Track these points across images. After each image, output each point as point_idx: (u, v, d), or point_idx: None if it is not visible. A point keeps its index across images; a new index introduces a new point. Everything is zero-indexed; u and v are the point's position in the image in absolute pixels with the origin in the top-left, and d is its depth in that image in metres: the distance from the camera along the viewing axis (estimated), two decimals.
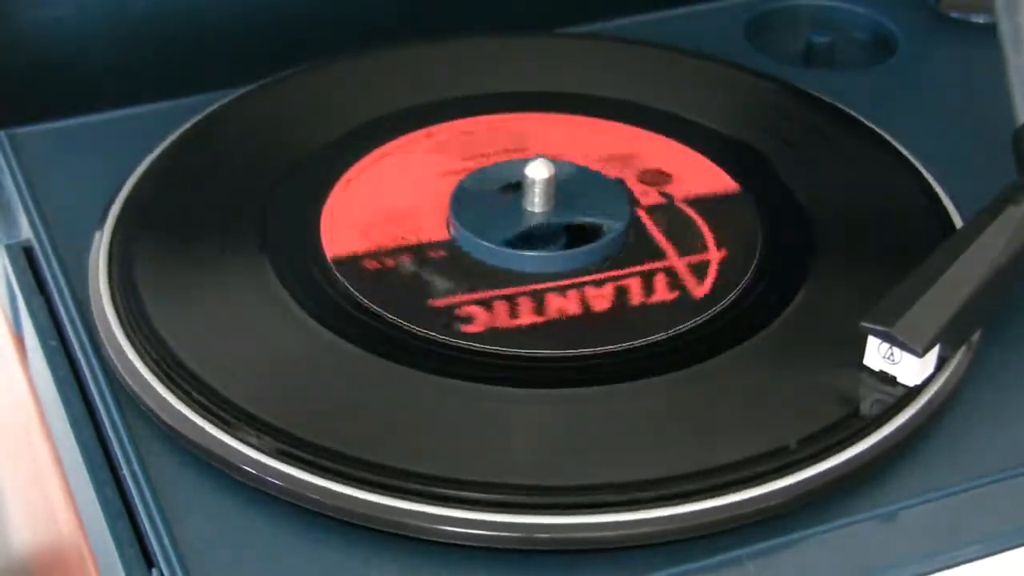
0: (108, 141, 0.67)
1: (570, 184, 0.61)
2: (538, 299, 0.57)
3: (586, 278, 0.58)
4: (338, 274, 0.58)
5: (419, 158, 0.64)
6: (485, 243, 0.59)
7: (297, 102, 0.67)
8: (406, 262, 0.58)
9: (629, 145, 0.65)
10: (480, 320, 0.56)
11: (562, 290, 0.57)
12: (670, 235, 0.60)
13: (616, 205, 0.60)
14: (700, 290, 0.58)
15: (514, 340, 0.55)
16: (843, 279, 0.58)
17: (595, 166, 0.63)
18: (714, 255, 0.59)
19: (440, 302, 0.57)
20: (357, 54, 0.70)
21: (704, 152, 0.64)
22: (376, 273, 0.58)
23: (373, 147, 0.64)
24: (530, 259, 0.58)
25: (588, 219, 0.60)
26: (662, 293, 0.57)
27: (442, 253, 0.59)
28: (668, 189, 0.62)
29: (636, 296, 0.57)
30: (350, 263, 0.58)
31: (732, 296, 0.57)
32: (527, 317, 0.56)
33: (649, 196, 0.62)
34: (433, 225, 0.60)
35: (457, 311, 0.56)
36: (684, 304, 0.57)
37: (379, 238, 0.59)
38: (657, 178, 0.60)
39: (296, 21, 0.77)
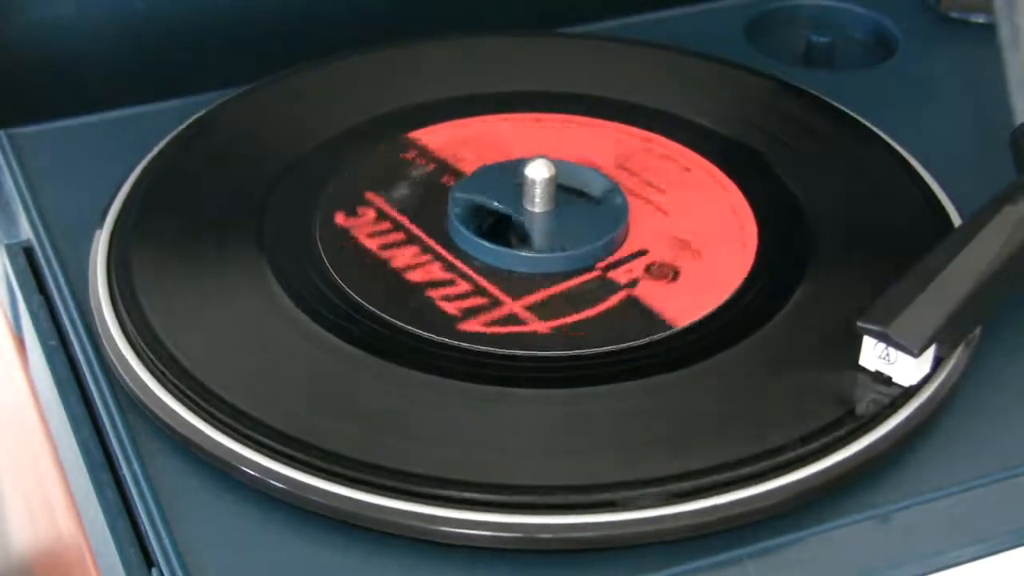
0: (108, 141, 0.67)
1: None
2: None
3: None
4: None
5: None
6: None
7: (296, 102, 0.67)
8: (426, 169, 0.58)
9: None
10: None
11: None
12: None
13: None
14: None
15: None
16: (841, 279, 0.58)
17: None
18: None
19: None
20: (356, 53, 0.70)
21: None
22: (403, 163, 0.57)
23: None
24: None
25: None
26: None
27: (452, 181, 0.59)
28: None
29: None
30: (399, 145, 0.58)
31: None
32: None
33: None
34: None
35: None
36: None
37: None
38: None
39: (296, 21, 0.77)
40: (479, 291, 0.57)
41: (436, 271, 0.58)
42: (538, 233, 0.59)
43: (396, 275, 0.58)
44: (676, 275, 0.58)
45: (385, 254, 0.59)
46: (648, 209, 0.61)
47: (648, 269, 0.59)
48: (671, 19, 0.76)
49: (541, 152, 0.61)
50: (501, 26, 0.76)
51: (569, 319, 0.56)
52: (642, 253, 0.59)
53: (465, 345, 0.55)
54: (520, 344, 0.55)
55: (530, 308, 0.57)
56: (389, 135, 0.65)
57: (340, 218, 0.61)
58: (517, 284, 0.58)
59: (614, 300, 0.57)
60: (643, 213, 0.61)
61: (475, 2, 0.78)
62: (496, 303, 0.57)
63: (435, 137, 0.65)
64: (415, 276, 0.58)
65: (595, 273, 0.58)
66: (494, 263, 0.58)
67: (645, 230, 0.60)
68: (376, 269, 0.58)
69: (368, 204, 0.61)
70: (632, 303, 0.57)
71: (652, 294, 0.57)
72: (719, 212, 0.61)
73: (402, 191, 0.62)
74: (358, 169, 0.63)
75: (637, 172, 0.63)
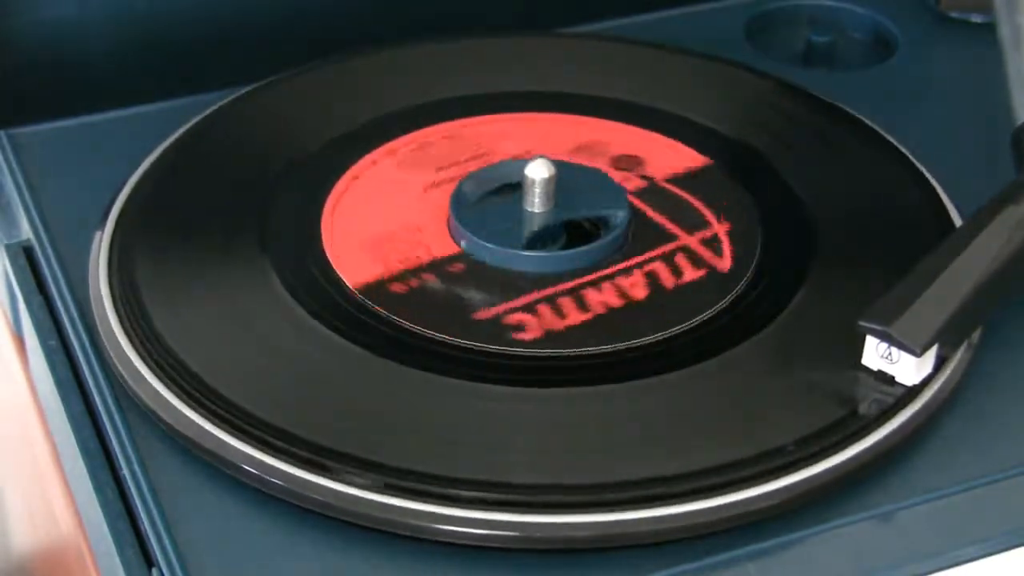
0: (108, 141, 0.67)
1: (564, 181, 0.61)
2: (538, 300, 0.57)
3: (584, 279, 0.58)
4: (340, 275, 0.58)
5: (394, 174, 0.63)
6: (493, 246, 0.59)
7: (297, 102, 0.67)
8: (430, 280, 0.58)
9: (625, 145, 0.65)
10: (479, 317, 0.56)
11: (559, 291, 0.57)
12: (670, 216, 0.60)
13: (612, 196, 0.60)
14: (724, 263, 0.58)
15: (513, 340, 0.55)
16: (842, 279, 0.58)
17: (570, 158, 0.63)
18: (720, 228, 0.60)
19: (478, 311, 0.57)
20: (356, 54, 0.70)
21: (704, 152, 0.64)
22: (405, 296, 0.57)
23: (372, 146, 0.64)
24: (534, 259, 0.58)
25: (589, 213, 0.60)
26: (687, 273, 0.58)
27: (460, 267, 0.58)
28: (644, 172, 0.62)
29: (637, 290, 0.57)
30: (377, 289, 0.57)
31: (731, 296, 0.57)
32: (526, 317, 0.56)
33: (631, 182, 0.62)
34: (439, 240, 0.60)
35: (461, 308, 0.56)
36: (713, 281, 0.57)
37: (393, 261, 0.59)
38: (630, 163, 0.60)
39: (296, 21, 0.77)
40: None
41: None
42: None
43: (422, 291, 0.58)
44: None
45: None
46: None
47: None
48: (671, 19, 0.76)
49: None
50: (500, 26, 0.76)
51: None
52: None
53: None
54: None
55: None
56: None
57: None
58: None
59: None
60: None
61: (475, 2, 0.78)
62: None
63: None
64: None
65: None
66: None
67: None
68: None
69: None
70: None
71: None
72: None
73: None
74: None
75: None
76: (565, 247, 0.59)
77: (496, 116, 0.66)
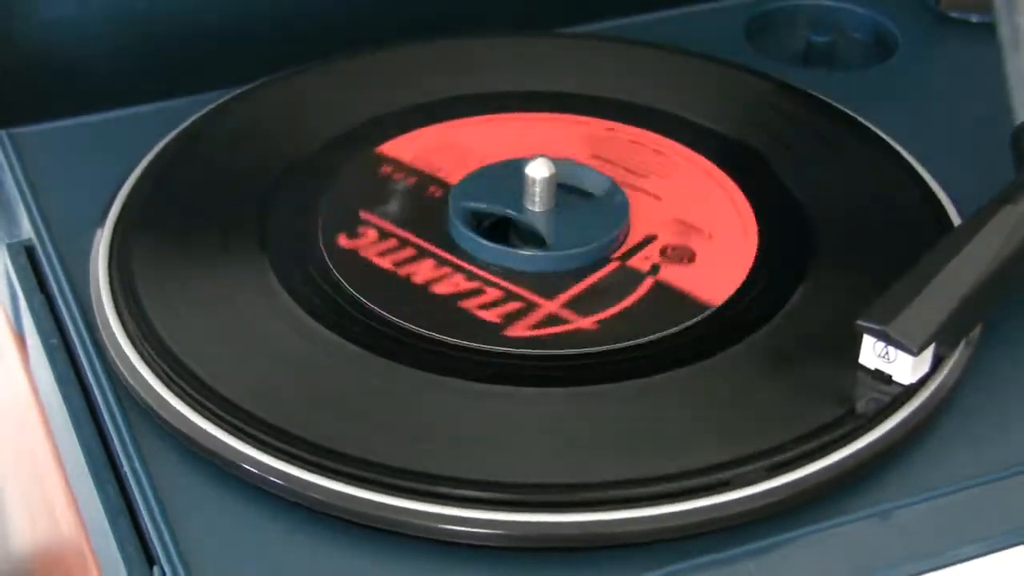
0: (108, 141, 0.67)
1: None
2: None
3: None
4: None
5: None
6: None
7: (297, 102, 0.67)
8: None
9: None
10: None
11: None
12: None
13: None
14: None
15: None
16: (841, 278, 0.58)
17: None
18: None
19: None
20: (356, 54, 0.70)
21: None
22: (382, 180, 0.57)
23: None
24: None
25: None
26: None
27: (439, 193, 0.59)
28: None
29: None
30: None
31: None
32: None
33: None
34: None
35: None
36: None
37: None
38: (679, 255, 0.60)
39: (296, 21, 0.77)
40: (512, 297, 0.57)
41: (461, 281, 0.58)
42: (544, 231, 0.59)
43: (405, 282, 0.58)
44: (692, 258, 0.59)
45: (402, 270, 0.59)
46: (645, 200, 0.61)
47: (663, 253, 0.59)
48: (671, 19, 0.76)
49: (527, 152, 0.61)
50: (501, 26, 0.76)
51: (566, 320, 0.56)
52: (652, 239, 0.59)
53: (466, 344, 0.55)
54: (519, 343, 0.55)
55: (529, 308, 0.57)
56: (388, 135, 0.65)
57: (340, 216, 0.61)
58: (542, 284, 0.58)
59: (611, 298, 0.57)
60: (642, 205, 0.61)
61: (475, 2, 0.78)
62: (533, 305, 0.57)
63: (438, 135, 0.65)
64: (441, 288, 0.58)
65: (614, 264, 0.58)
66: (510, 265, 0.58)
67: (648, 220, 0.60)
68: (395, 284, 0.58)
69: (366, 224, 0.61)
70: (661, 288, 0.57)
71: (677, 276, 0.58)
72: (721, 213, 0.61)
73: (392, 207, 0.62)
74: (357, 168, 0.63)
75: (640, 171, 0.63)
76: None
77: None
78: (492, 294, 0.57)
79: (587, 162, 0.63)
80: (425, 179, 0.63)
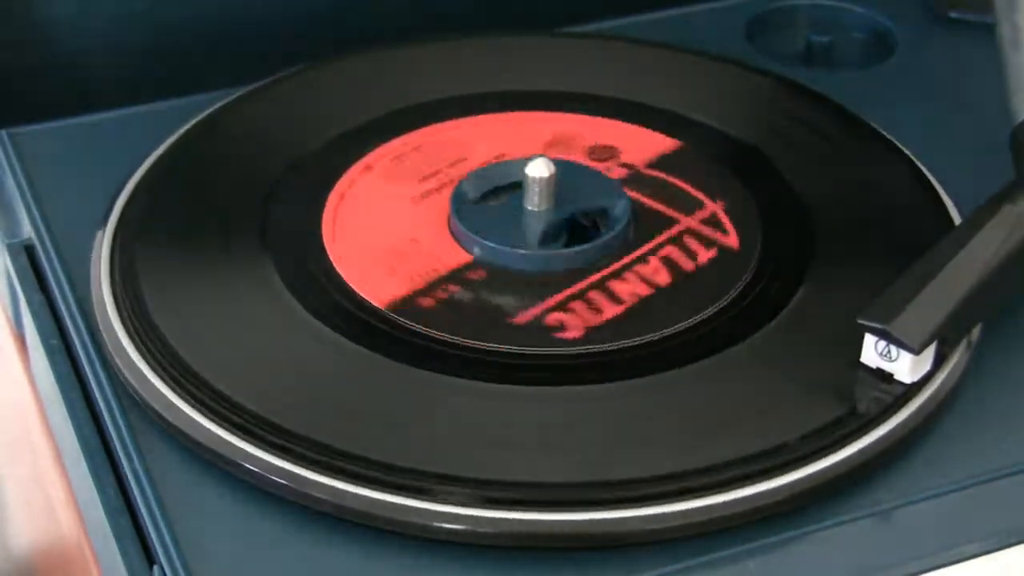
0: (108, 141, 0.67)
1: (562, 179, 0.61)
2: (535, 300, 0.57)
3: (578, 283, 0.58)
4: (341, 274, 0.58)
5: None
6: (485, 241, 0.59)
7: (298, 101, 0.67)
8: (456, 291, 0.57)
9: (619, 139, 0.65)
10: (477, 316, 0.56)
11: (557, 290, 0.58)
12: (664, 201, 0.61)
13: (607, 189, 0.61)
14: (731, 240, 0.58)
15: (514, 339, 0.55)
16: (842, 277, 0.58)
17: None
18: (716, 206, 0.60)
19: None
20: (357, 54, 0.70)
21: (704, 151, 0.64)
22: (404, 295, 0.57)
23: (371, 146, 0.64)
24: (526, 257, 0.58)
25: (589, 208, 0.60)
26: (682, 275, 0.58)
27: (481, 273, 0.58)
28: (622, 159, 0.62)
29: (642, 283, 0.58)
30: (375, 288, 0.57)
31: (730, 295, 0.57)
32: (525, 316, 0.56)
33: (613, 172, 0.62)
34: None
35: (453, 300, 0.56)
36: (711, 282, 0.58)
37: (411, 277, 0.58)
38: (605, 152, 0.60)
39: (296, 21, 0.77)
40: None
41: (487, 290, 0.58)
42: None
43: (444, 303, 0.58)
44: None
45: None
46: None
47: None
48: (671, 19, 0.76)
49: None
50: (501, 26, 0.76)
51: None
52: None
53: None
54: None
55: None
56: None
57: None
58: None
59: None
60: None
61: (476, 2, 0.78)
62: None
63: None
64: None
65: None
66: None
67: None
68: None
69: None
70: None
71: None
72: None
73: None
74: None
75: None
76: (566, 245, 0.59)
77: (495, 116, 0.66)
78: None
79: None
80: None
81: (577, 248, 0.59)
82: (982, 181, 0.59)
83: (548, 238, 0.59)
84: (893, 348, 0.53)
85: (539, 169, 0.59)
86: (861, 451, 0.51)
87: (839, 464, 0.51)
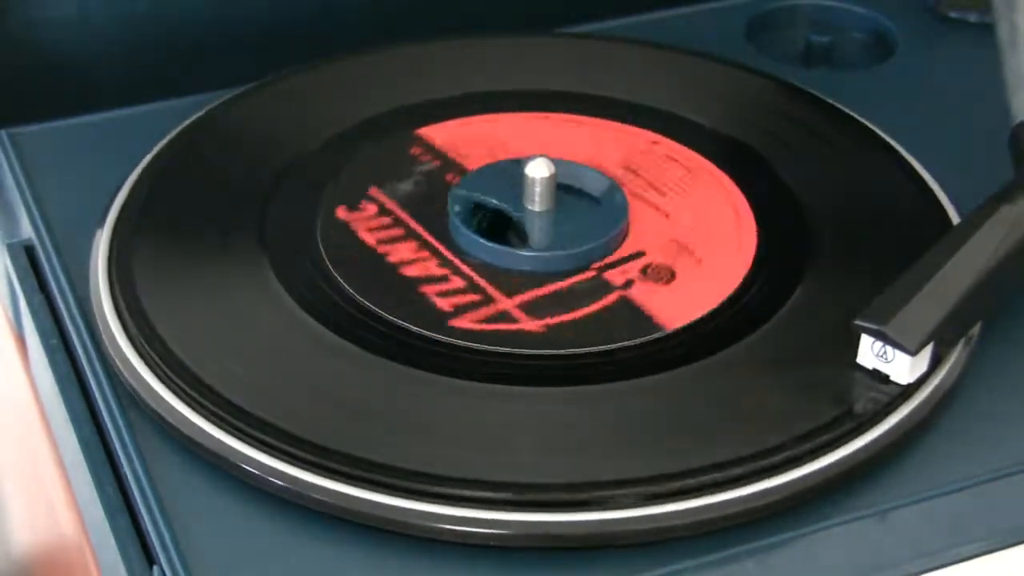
0: (108, 141, 0.67)
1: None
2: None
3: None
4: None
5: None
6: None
7: (296, 101, 0.67)
8: (431, 165, 0.58)
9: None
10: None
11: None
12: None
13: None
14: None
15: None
16: (840, 279, 0.58)
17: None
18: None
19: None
20: (355, 53, 0.70)
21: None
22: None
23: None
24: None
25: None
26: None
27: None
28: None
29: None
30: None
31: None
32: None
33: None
34: None
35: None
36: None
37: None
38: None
39: (296, 21, 0.77)
40: (473, 287, 0.57)
41: (432, 267, 0.58)
42: (537, 232, 0.59)
43: (392, 269, 0.58)
44: (672, 277, 0.58)
45: (382, 248, 0.59)
46: (649, 211, 0.61)
47: (644, 271, 0.59)
48: (671, 19, 0.76)
49: (544, 151, 0.61)
50: (502, 26, 0.76)
51: (561, 318, 0.56)
52: (639, 255, 0.59)
53: (465, 344, 0.55)
54: (520, 343, 0.55)
55: (522, 306, 0.57)
56: (393, 133, 0.65)
57: (342, 212, 0.61)
58: (512, 282, 0.58)
59: (607, 301, 0.57)
60: (644, 215, 0.61)
61: (476, 2, 0.78)
62: (489, 300, 0.57)
63: (440, 134, 0.65)
64: (411, 271, 0.58)
65: (591, 273, 0.58)
66: (491, 260, 0.59)
67: (645, 231, 0.60)
68: (373, 263, 0.58)
69: (371, 199, 0.61)
70: (625, 304, 0.57)
71: (646, 296, 0.57)
72: (720, 214, 0.61)
73: (406, 187, 0.62)
74: (361, 167, 0.63)
75: (641, 173, 0.63)
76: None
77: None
78: (455, 283, 0.57)
79: (617, 172, 0.63)
80: (449, 164, 0.63)
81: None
82: (982, 182, 0.59)
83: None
84: (889, 349, 0.53)
85: (539, 169, 0.59)
86: (858, 452, 0.51)
87: (837, 464, 0.51)
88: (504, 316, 0.56)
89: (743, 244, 0.60)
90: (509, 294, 0.57)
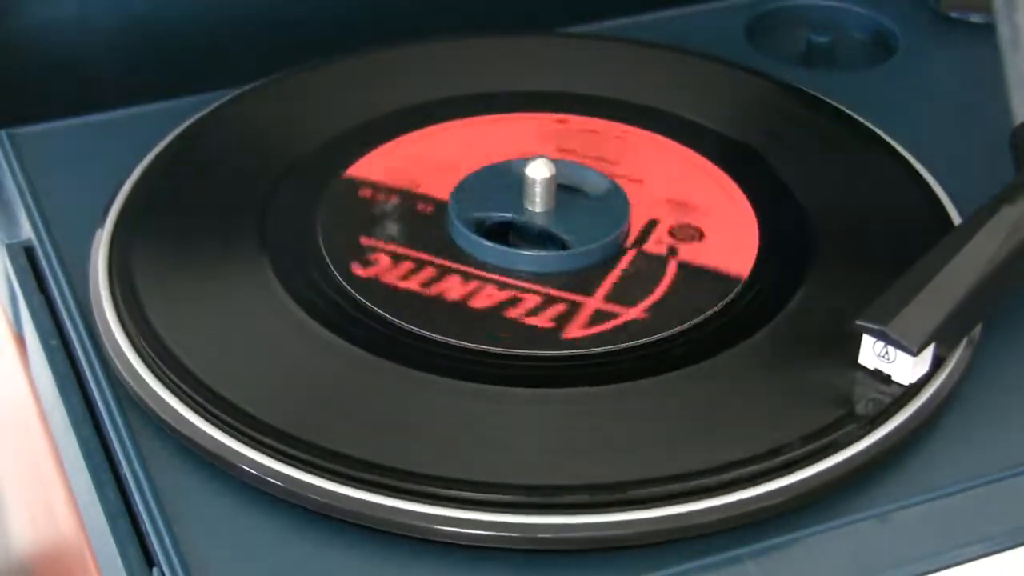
0: (108, 141, 0.67)
1: (570, 183, 0.61)
2: (536, 299, 0.57)
3: (625, 260, 0.58)
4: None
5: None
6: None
7: (296, 101, 0.67)
8: (393, 202, 0.58)
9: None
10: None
11: (559, 289, 0.58)
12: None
13: (614, 206, 0.61)
14: (722, 264, 0.59)
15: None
16: (841, 279, 0.58)
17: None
18: (717, 228, 0.60)
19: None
20: (356, 54, 0.70)
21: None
22: (364, 203, 0.57)
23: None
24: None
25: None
26: (698, 246, 0.59)
27: (430, 208, 0.59)
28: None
29: (684, 257, 0.58)
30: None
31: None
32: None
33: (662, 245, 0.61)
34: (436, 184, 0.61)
35: (550, 323, 0.56)
36: (711, 282, 0.58)
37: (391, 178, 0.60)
38: (688, 233, 0.60)
39: (296, 21, 0.77)
40: (550, 299, 0.57)
41: (493, 291, 0.58)
42: (563, 232, 0.59)
43: (455, 306, 0.57)
44: (701, 234, 0.59)
45: (431, 290, 0.58)
46: (621, 183, 0.61)
47: (673, 234, 0.59)
48: (671, 19, 0.76)
49: (472, 154, 0.61)
50: (500, 26, 0.76)
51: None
52: (654, 223, 0.60)
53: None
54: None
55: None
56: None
57: (358, 269, 0.59)
58: (575, 282, 0.58)
59: (671, 271, 0.58)
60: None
61: (476, 2, 0.78)
62: (576, 305, 0.57)
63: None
64: (478, 303, 0.57)
65: (632, 252, 0.59)
66: (538, 269, 0.58)
67: (635, 203, 0.60)
68: (425, 303, 0.57)
69: (374, 249, 0.60)
70: (687, 269, 0.58)
71: (697, 255, 0.58)
72: (696, 179, 0.62)
73: (392, 227, 0.61)
74: (336, 223, 0.63)
75: (578, 152, 0.63)
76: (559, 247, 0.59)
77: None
78: (531, 300, 0.57)
79: (552, 155, 0.62)
80: (408, 196, 0.62)
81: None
82: (982, 182, 0.59)
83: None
84: (891, 349, 0.53)
85: (539, 170, 0.59)
86: (860, 453, 0.51)
87: (838, 466, 0.51)
88: (604, 315, 0.56)
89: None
90: (588, 293, 0.57)
